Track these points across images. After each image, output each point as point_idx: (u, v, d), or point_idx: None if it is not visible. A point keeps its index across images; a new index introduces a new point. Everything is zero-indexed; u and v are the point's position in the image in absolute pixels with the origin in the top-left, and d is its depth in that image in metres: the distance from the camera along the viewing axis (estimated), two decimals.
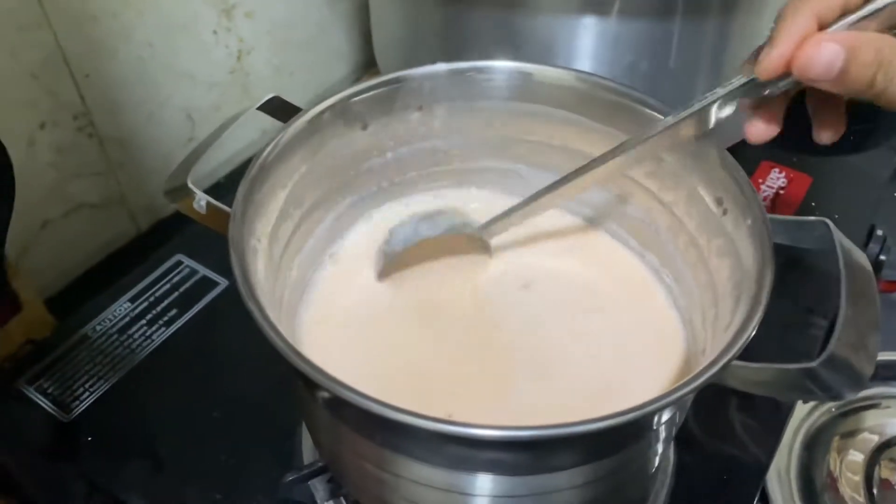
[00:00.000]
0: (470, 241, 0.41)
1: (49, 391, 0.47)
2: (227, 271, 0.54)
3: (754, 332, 0.28)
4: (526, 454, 0.29)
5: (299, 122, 0.36)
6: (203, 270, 0.55)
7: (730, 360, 0.28)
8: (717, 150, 0.35)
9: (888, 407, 0.59)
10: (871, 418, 0.58)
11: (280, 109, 0.40)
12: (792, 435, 0.56)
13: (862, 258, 0.33)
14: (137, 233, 0.66)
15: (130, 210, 0.65)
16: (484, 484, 0.31)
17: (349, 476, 0.36)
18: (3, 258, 0.47)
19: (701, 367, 0.28)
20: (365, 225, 0.44)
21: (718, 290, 0.35)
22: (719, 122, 0.35)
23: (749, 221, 0.33)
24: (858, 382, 0.28)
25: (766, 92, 0.33)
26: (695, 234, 0.38)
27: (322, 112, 0.37)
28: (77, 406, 0.47)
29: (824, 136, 0.35)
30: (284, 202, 0.37)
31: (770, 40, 0.31)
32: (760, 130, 0.35)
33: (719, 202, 0.35)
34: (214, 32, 0.64)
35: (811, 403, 0.57)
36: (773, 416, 0.47)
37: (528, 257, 0.44)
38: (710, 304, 0.36)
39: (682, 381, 0.27)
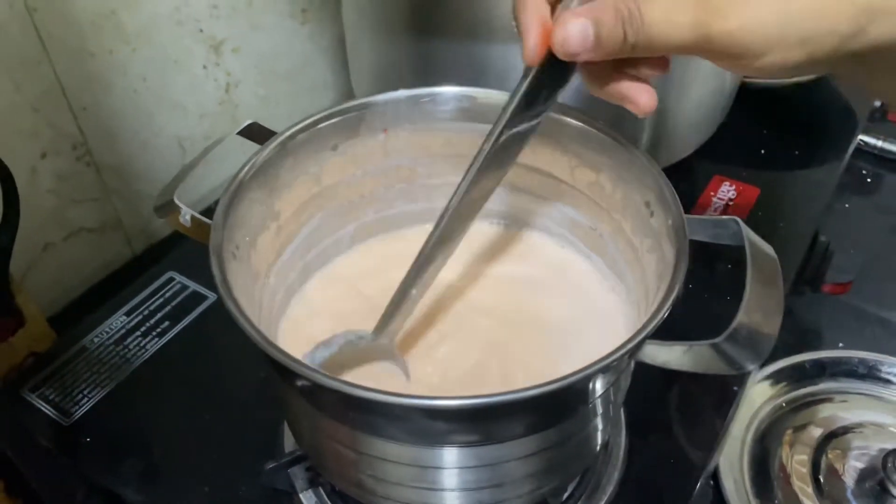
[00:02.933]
0: (375, 350, 0.41)
1: (50, 397, 0.51)
2: (215, 286, 0.58)
3: (667, 314, 0.33)
4: (475, 423, 0.33)
5: (274, 144, 0.41)
6: (193, 286, 0.59)
7: (643, 339, 0.32)
8: (646, 158, 0.40)
9: (843, 401, 0.62)
10: (822, 411, 0.61)
11: (258, 133, 0.44)
12: (744, 429, 0.59)
13: (769, 250, 0.37)
14: (132, 255, 0.70)
15: (126, 234, 0.69)
16: (442, 457, 0.35)
17: (325, 460, 0.40)
18: (8, 276, 0.51)
19: (619, 345, 0.32)
20: (336, 238, 0.48)
21: (648, 284, 0.39)
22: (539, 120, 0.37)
23: (670, 221, 0.37)
24: (758, 357, 0.32)
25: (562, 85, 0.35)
26: (630, 236, 0.42)
27: (294, 134, 0.42)
28: (77, 411, 0.50)
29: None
30: (262, 216, 0.41)
31: (520, 33, 0.34)
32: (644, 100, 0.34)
33: (647, 205, 0.40)
34: (204, 67, 0.69)
35: (763, 397, 0.60)
36: (719, 405, 0.50)
37: (485, 266, 0.48)
38: (643, 296, 0.40)
39: (602, 356, 0.31)
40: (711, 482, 0.54)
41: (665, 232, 0.37)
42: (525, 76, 0.35)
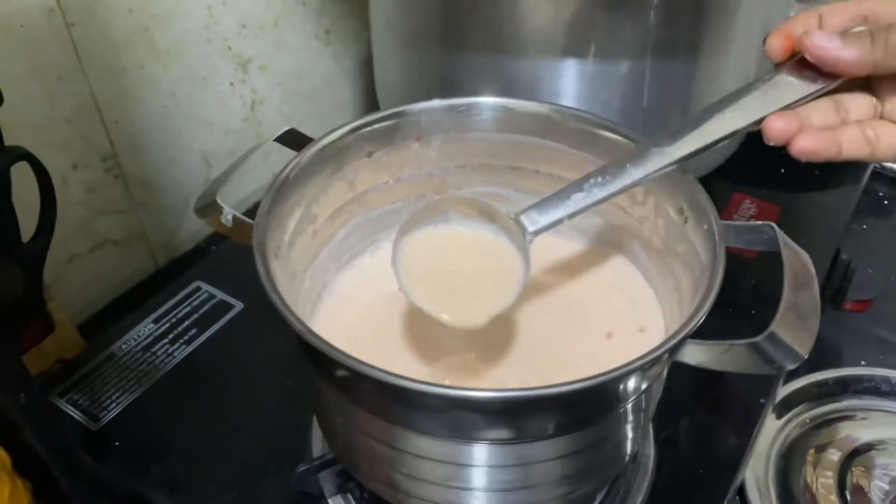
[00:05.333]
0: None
1: (79, 403, 0.51)
2: (242, 295, 0.59)
3: (706, 314, 0.33)
4: (511, 418, 0.33)
5: (315, 147, 0.42)
6: (220, 295, 0.59)
7: (684, 337, 0.32)
8: (677, 167, 0.41)
9: (863, 419, 0.62)
10: (844, 430, 0.61)
11: (295, 140, 0.45)
12: (768, 447, 0.59)
13: (804, 256, 0.37)
14: (156, 268, 0.71)
15: (150, 247, 0.70)
16: (475, 454, 0.35)
17: (358, 459, 0.40)
18: (41, 282, 0.52)
19: (658, 344, 0.32)
20: (369, 244, 0.49)
21: (682, 290, 0.40)
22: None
23: (705, 226, 0.38)
24: (797, 357, 0.33)
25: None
26: (663, 243, 0.42)
27: (334, 140, 0.43)
28: (105, 416, 0.51)
29: None
30: (300, 218, 0.42)
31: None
32: (777, 131, 0.37)
33: (681, 211, 0.40)
34: (231, 84, 0.70)
35: (785, 417, 0.60)
36: (745, 421, 0.50)
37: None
38: (675, 303, 0.40)
39: (640, 355, 0.31)
40: (738, 497, 0.54)
41: (700, 236, 0.38)
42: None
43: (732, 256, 0.37)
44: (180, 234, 0.72)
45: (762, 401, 0.51)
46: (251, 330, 0.56)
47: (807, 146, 0.36)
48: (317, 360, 0.35)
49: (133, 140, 0.64)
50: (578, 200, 0.38)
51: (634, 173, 0.37)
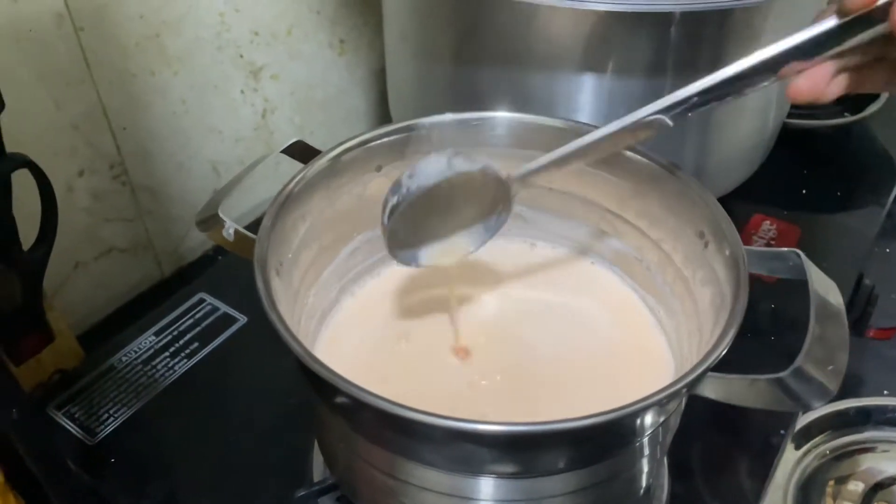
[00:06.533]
0: (497, 187, 0.40)
1: (76, 416, 0.50)
2: (246, 308, 0.58)
3: (727, 347, 0.31)
4: (521, 453, 0.32)
5: (322, 160, 0.40)
6: (224, 308, 0.58)
7: (704, 371, 0.31)
8: (698, 186, 0.39)
9: (885, 451, 0.60)
10: (866, 461, 0.59)
11: (302, 152, 0.44)
12: (786, 478, 0.57)
13: (831, 286, 0.35)
14: (161, 277, 0.70)
15: (156, 255, 0.69)
16: (484, 488, 0.33)
17: (359, 487, 0.39)
18: (41, 291, 0.51)
19: (678, 377, 0.30)
20: (377, 262, 0.47)
21: (701, 317, 0.38)
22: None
23: (727, 251, 0.36)
24: (824, 394, 0.31)
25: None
26: (681, 267, 0.41)
27: (342, 153, 0.41)
28: (102, 430, 0.49)
29: None
30: (305, 233, 0.40)
31: None
32: (803, 89, 0.33)
33: (701, 235, 0.38)
34: (242, 92, 0.69)
35: (804, 448, 0.58)
36: (764, 452, 0.49)
37: (524, 291, 0.47)
38: (695, 329, 0.39)
39: (659, 388, 0.30)
40: None
41: (721, 262, 0.36)
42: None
43: (752, 279, 0.35)
44: (187, 242, 0.71)
45: (782, 432, 0.48)
46: (254, 345, 0.55)
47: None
48: (317, 385, 0.34)
49: (141, 147, 0.63)
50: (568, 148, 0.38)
51: (626, 118, 0.36)
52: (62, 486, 0.41)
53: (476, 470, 0.32)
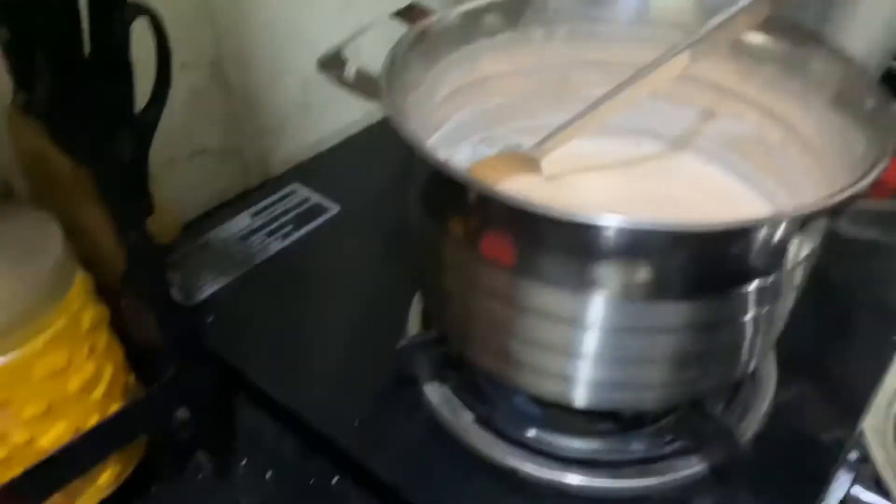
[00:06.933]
0: (522, 161, 0.42)
1: (174, 281, 0.51)
2: (338, 198, 0.58)
3: (879, 174, 0.30)
4: (644, 258, 0.31)
5: (444, 16, 0.40)
6: (316, 197, 0.58)
7: (854, 195, 0.29)
8: (831, 44, 0.38)
9: None
10: None
11: (415, 16, 0.44)
12: (892, 394, 0.54)
13: None
14: (246, 187, 0.71)
15: (244, 164, 0.69)
16: (596, 310, 0.33)
17: (471, 331, 0.38)
18: (147, 155, 0.51)
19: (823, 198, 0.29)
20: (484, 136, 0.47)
21: (832, 185, 0.36)
22: None
23: (870, 105, 0.35)
24: None
25: None
26: (810, 138, 0.39)
27: (462, 12, 0.41)
28: (199, 296, 0.50)
29: None
30: (420, 85, 0.40)
31: None
32: None
33: (837, 98, 0.37)
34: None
35: None
36: (876, 355, 0.47)
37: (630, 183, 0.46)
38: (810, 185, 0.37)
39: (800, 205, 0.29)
40: None
41: (862, 119, 0.35)
42: None
43: None
44: (275, 155, 0.71)
45: (894, 338, 0.47)
46: (347, 231, 0.55)
47: None
48: (445, 199, 0.34)
49: (240, 51, 0.64)
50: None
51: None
52: (170, 321, 0.41)
53: (593, 282, 0.32)
